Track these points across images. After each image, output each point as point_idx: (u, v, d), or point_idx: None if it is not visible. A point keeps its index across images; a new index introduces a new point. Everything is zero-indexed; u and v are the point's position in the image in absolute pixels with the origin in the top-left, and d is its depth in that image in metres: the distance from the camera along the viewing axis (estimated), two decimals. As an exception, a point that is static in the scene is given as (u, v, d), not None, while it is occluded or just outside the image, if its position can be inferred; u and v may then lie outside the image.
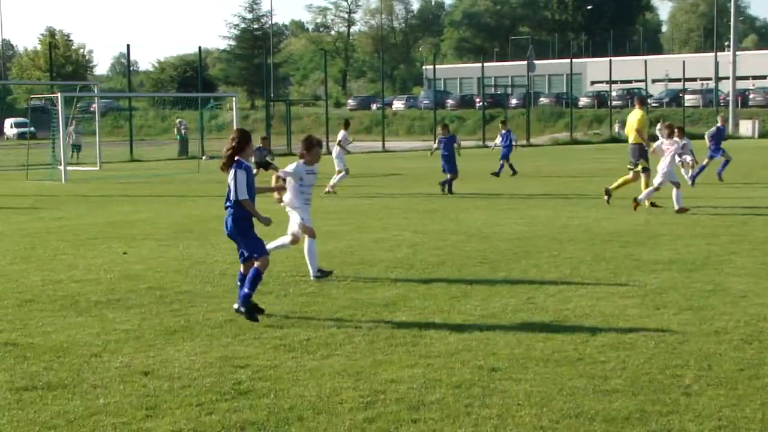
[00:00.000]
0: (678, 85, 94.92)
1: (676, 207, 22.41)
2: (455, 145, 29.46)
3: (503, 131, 36.87)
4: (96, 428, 7.57)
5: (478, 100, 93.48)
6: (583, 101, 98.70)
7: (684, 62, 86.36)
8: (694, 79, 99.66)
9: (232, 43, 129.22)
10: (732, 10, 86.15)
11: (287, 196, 14.29)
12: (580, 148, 66.95)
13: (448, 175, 29.01)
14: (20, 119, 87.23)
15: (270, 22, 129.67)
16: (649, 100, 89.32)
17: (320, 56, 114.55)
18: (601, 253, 16.25)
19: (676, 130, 23.57)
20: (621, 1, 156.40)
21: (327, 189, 28.72)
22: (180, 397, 8.30)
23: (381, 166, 45.89)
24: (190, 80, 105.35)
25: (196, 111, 65.77)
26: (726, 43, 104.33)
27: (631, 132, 24.74)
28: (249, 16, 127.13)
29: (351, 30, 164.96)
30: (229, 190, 11.40)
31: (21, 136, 78.85)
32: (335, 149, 31.01)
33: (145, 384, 8.70)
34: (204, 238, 18.82)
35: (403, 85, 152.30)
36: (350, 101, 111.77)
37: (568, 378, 8.75)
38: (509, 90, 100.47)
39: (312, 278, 14.02)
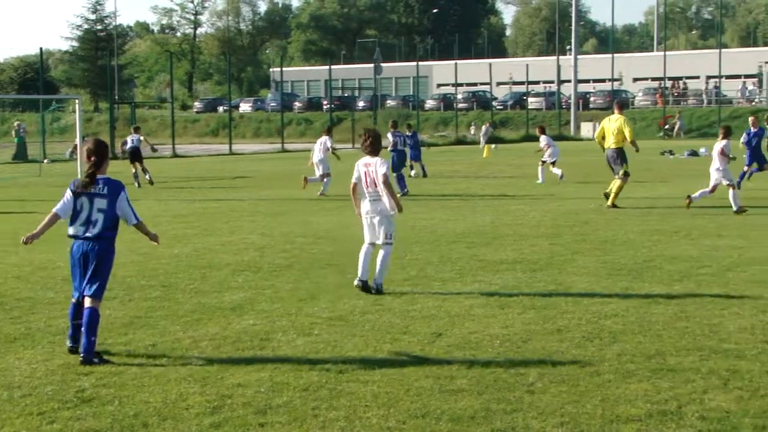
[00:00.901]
0: (522, 88, 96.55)
1: (735, 208, 22.21)
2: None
3: (408, 133, 35.92)
4: (-69, 441, 7.34)
5: (325, 102, 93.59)
6: (430, 104, 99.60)
7: (527, 66, 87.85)
8: (537, 82, 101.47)
9: (75, 44, 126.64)
10: (573, 15, 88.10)
11: (385, 202, 13.12)
12: (426, 150, 67.58)
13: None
14: None
15: (114, 24, 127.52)
16: (493, 103, 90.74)
17: (166, 58, 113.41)
18: (447, 254, 16.43)
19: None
20: (466, 5, 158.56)
21: (319, 193, 29.01)
22: (20, 407, 8.10)
23: (228, 168, 45.55)
24: (31, 82, 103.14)
25: (37, 113, 64.34)
26: (568, 47, 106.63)
27: (610, 137, 23.89)
28: (92, 17, 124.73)
29: (197, 32, 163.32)
30: (95, 215, 9.66)
31: None
32: (319, 154, 30.04)
33: (-17, 394, 8.47)
34: (45, 243, 18.35)
35: (250, 88, 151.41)
36: (197, 104, 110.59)
37: (414, 378, 8.81)
38: (356, 92, 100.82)
39: (374, 288, 12.99)
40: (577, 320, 11.17)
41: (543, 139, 34.19)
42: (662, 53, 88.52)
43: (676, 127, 78.36)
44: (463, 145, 71.31)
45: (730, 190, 22.40)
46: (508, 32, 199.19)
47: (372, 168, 13.10)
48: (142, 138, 35.28)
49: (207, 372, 9.11)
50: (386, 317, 11.48)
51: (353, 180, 13.31)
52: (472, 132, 79.05)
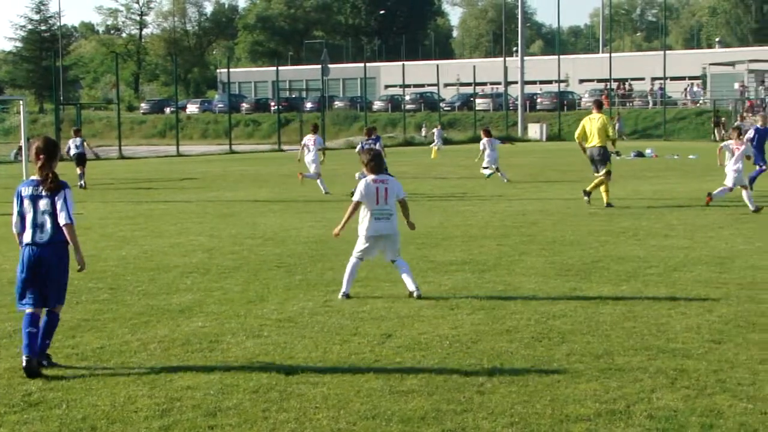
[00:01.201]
0: (469, 90, 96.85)
1: (752, 208, 22.33)
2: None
3: (374, 137, 35.38)
4: None
5: (273, 104, 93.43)
6: (378, 105, 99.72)
7: (474, 67, 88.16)
8: (485, 84, 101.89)
9: (19, 44, 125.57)
10: (519, 17, 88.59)
11: (393, 221, 12.88)
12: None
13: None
14: None
15: (58, 24, 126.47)
16: (441, 104, 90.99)
17: (111, 59, 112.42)
18: (397, 255, 16.41)
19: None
20: (413, 6, 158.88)
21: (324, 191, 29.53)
22: (-34, 411, 8.01)
23: (176, 170, 45.32)
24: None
25: (-19, 114, 63.62)
26: (514, 49, 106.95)
27: (594, 136, 24.08)
28: (36, 17, 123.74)
29: (143, 32, 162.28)
30: (39, 217, 9.37)
31: None
32: (312, 153, 29.85)
33: (-72, 398, 8.37)
34: (-9, 246, 18.21)
35: (197, 89, 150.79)
36: (143, 105, 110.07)
37: (364, 380, 8.81)
38: (304, 93, 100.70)
39: (415, 294, 12.69)
40: (526, 321, 11.21)
41: (482, 143, 34.70)
42: (608, 55, 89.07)
43: (616, 128, 78.95)
44: (411, 147, 71.45)
45: (744, 191, 22.80)
46: (455, 33, 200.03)
47: (387, 186, 12.83)
48: (85, 141, 35.85)
49: (156, 375, 9.06)
50: (336, 319, 11.48)
51: (357, 198, 12.84)
52: (423, 133, 79.21)
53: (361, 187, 12.83)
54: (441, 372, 9.05)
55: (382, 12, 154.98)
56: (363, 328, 10.97)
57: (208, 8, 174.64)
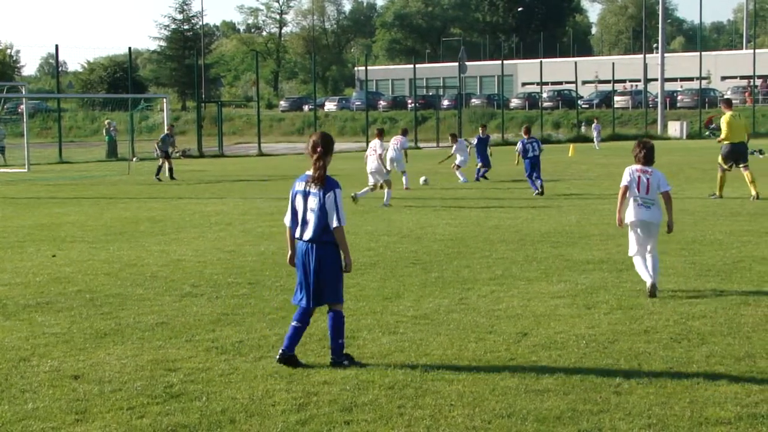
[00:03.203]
0: (608, 87, 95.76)
1: None
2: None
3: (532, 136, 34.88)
4: (25, 433, 7.49)
5: (410, 101, 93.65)
6: (515, 102, 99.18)
7: (613, 64, 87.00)
8: (624, 81, 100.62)
9: (163, 43, 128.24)
10: (660, 13, 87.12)
11: (655, 210, 13.10)
12: (511, 149, 67.28)
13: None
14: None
15: (201, 23, 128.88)
16: (579, 102, 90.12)
17: (252, 57, 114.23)
18: (533, 254, 16.35)
19: None
20: (551, 3, 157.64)
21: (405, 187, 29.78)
22: (110, 401, 8.22)
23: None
24: (120, 81, 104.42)
25: (126, 112, 65.25)
26: (654, 45, 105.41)
27: (741, 132, 25.73)
28: (179, 16, 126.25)
29: (282, 31, 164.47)
30: (320, 213, 9.35)
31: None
32: (393, 153, 29.96)
33: (74, 388, 8.61)
34: (134, 241, 18.67)
35: (335, 87, 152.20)
36: (282, 102, 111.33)
37: (500, 378, 8.79)
38: (441, 91, 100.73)
39: (648, 285, 12.74)
40: (664, 321, 11.05)
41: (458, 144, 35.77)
42: (751, 51, 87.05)
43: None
44: (549, 144, 70.82)
45: None
46: (593, 30, 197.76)
47: (650, 177, 13.08)
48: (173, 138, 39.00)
49: (293, 369, 9.17)
50: (471, 316, 11.47)
51: (624, 184, 13.10)
52: (583, 130, 78.42)
53: (627, 172, 13.17)
54: (577, 371, 8.97)
55: (520, 9, 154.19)
56: (498, 326, 10.94)
57: (347, 6, 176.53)
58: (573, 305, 12.04)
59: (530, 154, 29.28)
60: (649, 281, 12.67)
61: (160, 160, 36.81)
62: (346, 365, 9.29)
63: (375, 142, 26.79)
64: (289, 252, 9.64)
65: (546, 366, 9.17)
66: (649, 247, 13.07)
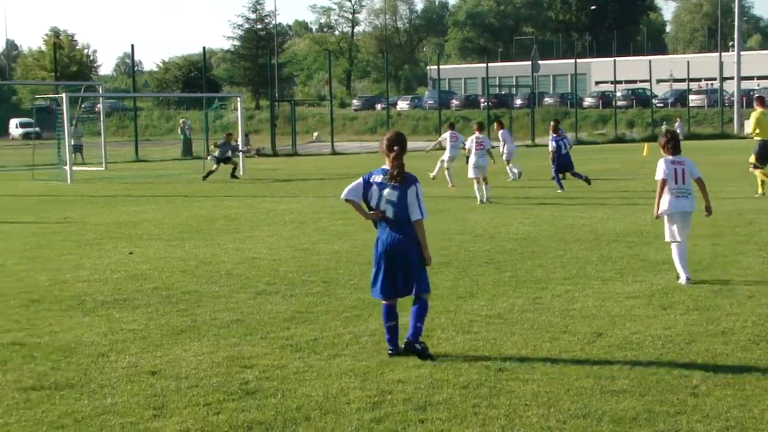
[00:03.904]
0: (682, 86, 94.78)
1: None
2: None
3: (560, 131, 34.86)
4: (103, 428, 7.59)
5: (482, 100, 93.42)
6: (588, 101, 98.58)
7: (688, 62, 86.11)
8: (699, 79, 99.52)
9: (237, 43, 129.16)
10: (736, 10, 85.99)
11: (690, 200, 13.82)
12: (584, 148, 66.86)
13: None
14: (25, 119, 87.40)
15: (274, 23, 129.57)
16: (653, 101, 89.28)
17: (324, 56, 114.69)
18: (607, 254, 16.24)
19: None
20: (625, 1, 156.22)
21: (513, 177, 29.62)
22: (187, 397, 8.31)
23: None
24: (194, 80, 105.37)
25: (200, 111, 65.81)
26: (730, 43, 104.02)
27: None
28: (253, 16, 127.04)
29: (355, 30, 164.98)
30: (399, 206, 9.59)
31: (26, 136, 79.04)
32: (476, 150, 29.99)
33: (152, 384, 8.72)
34: (210, 239, 18.84)
35: (408, 86, 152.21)
36: (355, 101, 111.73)
37: (575, 378, 8.74)
38: (513, 90, 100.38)
39: (683, 282, 13.39)
40: (742, 322, 10.92)
41: (500, 134, 35.67)
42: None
43: None
44: (622, 143, 70.31)
45: None
46: (668, 28, 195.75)
47: (684, 167, 13.70)
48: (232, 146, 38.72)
49: (367, 368, 9.20)
50: (545, 316, 11.42)
51: (662, 176, 13.70)
52: (663, 129, 77.74)
53: (662, 165, 13.74)
54: (653, 372, 8.89)
55: (593, 7, 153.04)
56: (573, 326, 10.89)
57: (419, 5, 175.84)
58: (648, 306, 11.94)
59: (563, 151, 29.30)
60: (683, 277, 13.38)
61: (213, 165, 36.78)
62: (418, 349, 9.46)
63: (479, 136, 27.13)
64: (362, 214, 9.95)
65: (621, 366, 9.10)
66: (684, 237, 13.75)
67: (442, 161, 32.33)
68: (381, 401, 8.16)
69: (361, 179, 9.84)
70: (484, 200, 25.54)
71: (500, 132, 35.89)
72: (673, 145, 13.78)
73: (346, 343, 10.16)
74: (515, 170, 33.94)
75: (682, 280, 13.37)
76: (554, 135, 29.68)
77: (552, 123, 31.01)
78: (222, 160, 36.82)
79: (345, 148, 64.39)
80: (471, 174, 26.25)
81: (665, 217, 13.81)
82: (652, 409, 7.88)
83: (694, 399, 8.14)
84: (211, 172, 36.50)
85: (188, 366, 9.30)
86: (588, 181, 28.78)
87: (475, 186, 25.90)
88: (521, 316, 11.46)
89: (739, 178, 32.48)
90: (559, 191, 28.28)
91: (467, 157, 27.83)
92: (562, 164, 29.34)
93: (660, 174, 13.69)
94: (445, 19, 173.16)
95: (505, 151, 34.99)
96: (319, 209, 24.48)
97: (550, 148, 29.70)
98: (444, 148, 32.53)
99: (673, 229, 13.70)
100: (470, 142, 27.33)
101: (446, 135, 32.48)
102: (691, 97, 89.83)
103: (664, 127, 77.38)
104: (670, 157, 13.75)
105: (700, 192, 14.01)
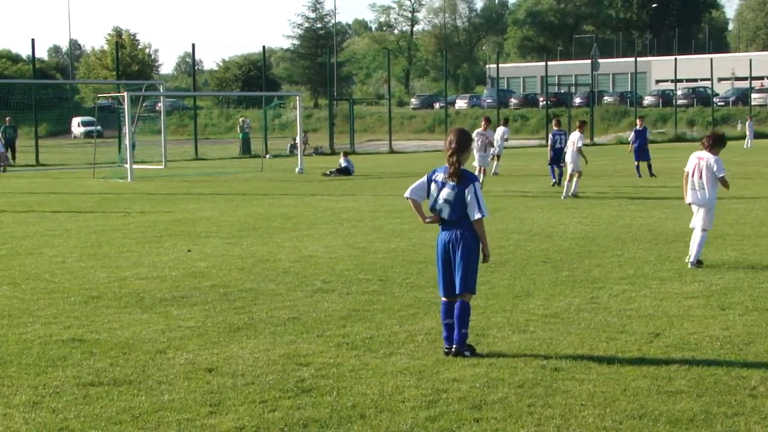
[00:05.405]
0: (744, 84, 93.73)
1: None
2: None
3: (639, 127, 36.43)
4: (161, 424, 7.65)
5: (541, 99, 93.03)
6: (648, 100, 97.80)
7: (750, 60, 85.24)
8: (761, 78, 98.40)
9: (296, 42, 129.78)
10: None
11: (705, 193, 14.87)
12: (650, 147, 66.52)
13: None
14: (87, 118, 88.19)
15: (333, 22, 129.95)
16: (714, 100, 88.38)
17: (383, 55, 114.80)
18: (666, 253, 16.12)
19: None
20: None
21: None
22: (243, 394, 8.36)
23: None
24: (254, 79, 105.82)
25: (259, 110, 66.18)
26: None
27: None
28: (312, 15, 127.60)
29: (414, 29, 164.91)
30: (455, 205, 9.58)
31: (88, 134, 79.78)
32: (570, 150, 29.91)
33: (209, 381, 8.78)
34: (267, 237, 18.93)
35: (466, 84, 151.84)
36: (413, 100, 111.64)
37: (631, 378, 8.69)
38: (573, 89, 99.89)
39: (691, 264, 14.71)
40: (802, 324, 10.80)
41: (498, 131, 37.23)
42: None
43: None
44: (682, 143, 69.67)
45: None
46: (730, 26, 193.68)
47: (704, 162, 14.72)
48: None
49: (423, 366, 9.20)
50: (602, 316, 11.36)
51: (686, 169, 15.04)
52: (738, 129, 77.13)
53: (689, 160, 15.01)
54: (711, 373, 8.82)
55: (654, 5, 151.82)
56: (630, 326, 10.82)
57: (479, 4, 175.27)
58: (707, 306, 11.84)
59: (558, 146, 30.90)
60: (691, 257, 14.71)
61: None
62: (467, 356, 9.44)
63: (575, 134, 27.84)
64: (420, 217, 9.99)
65: (679, 367, 9.03)
66: (698, 225, 14.89)
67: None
68: (436, 400, 8.16)
69: (425, 177, 9.87)
70: (568, 194, 26.62)
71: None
72: (708, 144, 14.88)
73: (401, 342, 10.17)
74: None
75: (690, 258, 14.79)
76: (555, 129, 31.90)
77: (554, 119, 34.28)
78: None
79: (403, 146, 64.43)
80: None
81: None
82: (710, 410, 7.81)
83: (752, 400, 8.06)
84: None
85: (245, 363, 9.36)
86: (558, 183, 30.20)
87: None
88: (578, 315, 11.41)
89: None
90: (552, 182, 30.76)
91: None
92: (554, 157, 31.10)
93: (687, 167, 15.07)
94: (504, 17, 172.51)
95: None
96: (376, 208, 24.51)
97: (549, 142, 32.05)
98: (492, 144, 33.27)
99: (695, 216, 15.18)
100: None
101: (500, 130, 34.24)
102: (753, 95, 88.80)
103: (740, 127, 76.65)
104: (698, 153, 14.95)
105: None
